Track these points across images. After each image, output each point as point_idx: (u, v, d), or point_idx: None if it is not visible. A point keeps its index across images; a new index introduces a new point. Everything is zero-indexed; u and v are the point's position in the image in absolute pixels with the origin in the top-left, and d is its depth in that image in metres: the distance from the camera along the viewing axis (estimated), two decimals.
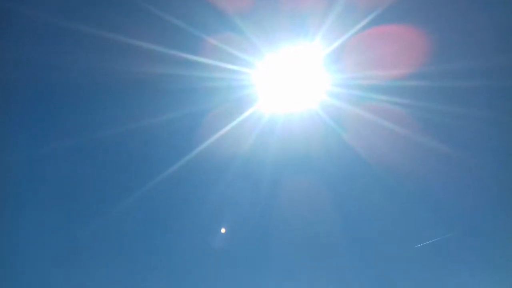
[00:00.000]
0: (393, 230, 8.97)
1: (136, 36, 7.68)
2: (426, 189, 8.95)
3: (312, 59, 7.96)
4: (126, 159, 8.77)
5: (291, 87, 8.30)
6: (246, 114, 8.11)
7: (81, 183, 8.73)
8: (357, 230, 9.10)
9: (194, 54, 7.81)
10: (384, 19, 7.60)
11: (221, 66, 7.86)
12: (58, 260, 8.56)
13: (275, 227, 8.81)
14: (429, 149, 8.53)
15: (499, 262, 8.66)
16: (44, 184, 8.61)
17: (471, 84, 8.30)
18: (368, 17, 7.52)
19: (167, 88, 8.06)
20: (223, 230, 8.72)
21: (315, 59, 7.96)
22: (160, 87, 8.13)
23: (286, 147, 8.45)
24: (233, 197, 8.67)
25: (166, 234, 8.91)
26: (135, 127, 8.28)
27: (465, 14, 7.86)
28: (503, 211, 8.86)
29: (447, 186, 8.90)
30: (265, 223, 8.80)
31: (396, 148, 8.59)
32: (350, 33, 7.59)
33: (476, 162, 8.69)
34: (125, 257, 8.77)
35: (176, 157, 8.22)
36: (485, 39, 7.98)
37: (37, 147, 8.50)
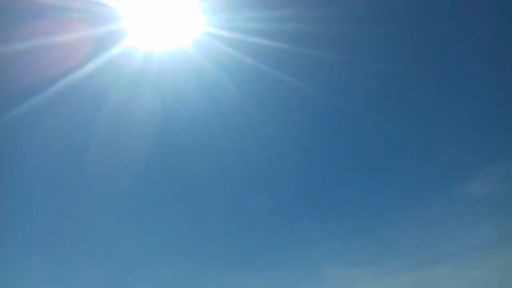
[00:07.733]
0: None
1: None
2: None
3: None
4: None
5: (163, 22, 7.43)
6: (110, 52, 7.17)
7: None
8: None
9: None
10: None
11: None
12: None
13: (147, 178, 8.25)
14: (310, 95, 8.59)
15: None
16: None
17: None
18: None
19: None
20: None
21: None
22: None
23: (155, 91, 7.77)
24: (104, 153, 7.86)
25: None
26: None
27: None
28: None
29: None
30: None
31: (273, 92, 8.45)
32: None
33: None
34: None
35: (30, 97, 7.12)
36: None
37: None
